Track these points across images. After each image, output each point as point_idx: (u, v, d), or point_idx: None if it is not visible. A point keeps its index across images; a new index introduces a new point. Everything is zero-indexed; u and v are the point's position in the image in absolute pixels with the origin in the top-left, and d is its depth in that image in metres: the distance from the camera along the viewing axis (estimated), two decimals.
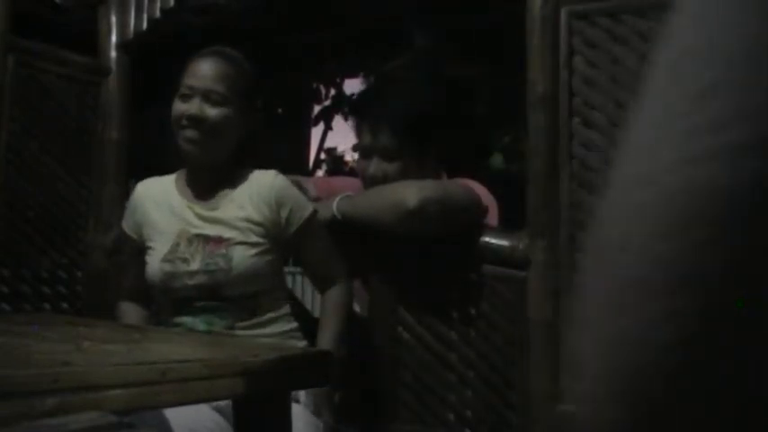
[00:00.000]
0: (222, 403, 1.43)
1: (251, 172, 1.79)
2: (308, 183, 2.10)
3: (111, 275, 2.35)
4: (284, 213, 1.73)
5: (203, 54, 1.77)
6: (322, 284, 1.80)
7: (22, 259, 2.23)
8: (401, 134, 1.93)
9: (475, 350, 1.80)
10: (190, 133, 1.70)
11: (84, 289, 2.37)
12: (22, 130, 2.24)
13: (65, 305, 2.32)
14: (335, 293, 1.77)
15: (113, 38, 2.46)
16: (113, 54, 2.46)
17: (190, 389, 0.92)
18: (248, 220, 1.71)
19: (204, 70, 1.73)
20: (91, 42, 2.48)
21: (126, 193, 2.73)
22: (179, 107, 1.72)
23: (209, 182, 1.77)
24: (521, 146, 3.39)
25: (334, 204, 1.83)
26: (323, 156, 5.28)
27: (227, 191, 1.76)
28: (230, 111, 1.72)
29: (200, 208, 1.75)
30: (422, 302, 1.86)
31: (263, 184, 1.75)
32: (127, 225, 1.83)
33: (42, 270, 2.28)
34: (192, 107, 1.70)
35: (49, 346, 1.07)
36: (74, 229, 2.36)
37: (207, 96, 1.71)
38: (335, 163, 5.36)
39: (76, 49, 2.43)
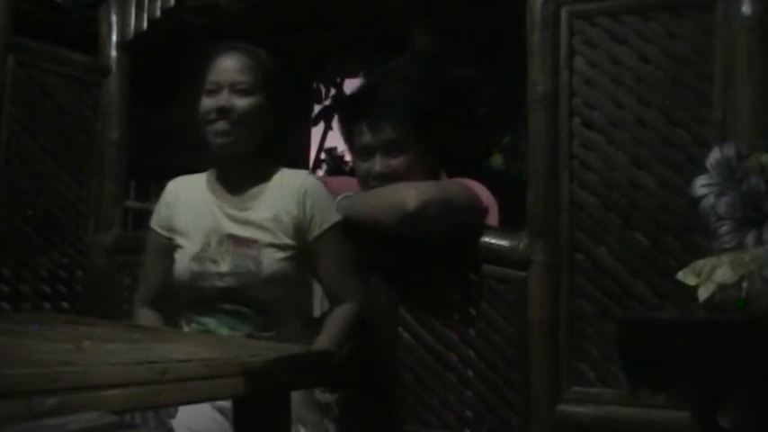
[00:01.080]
0: (222, 402, 1.43)
1: (281, 170, 1.77)
2: None
3: (112, 275, 2.35)
4: (308, 216, 1.71)
5: (222, 49, 1.75)
6: (332, 300, 1.76)
7: (22, 259, 2.23)
8: (403, 126, 1.92)
9: (475, 350, 1.80)
10: (220, 126, 1.69)
11: (84, 288, 2.37)
12: (22, 130, 2.24)
13: (65, 304, 2.32)
14: (341, 310, 1.72)
15: (114, 38, 2.46)
16: (113, 54, 2.46)
17: (190, 388, 0.91)
18: (277, 221, 1.69)
19: (227, 64, 1.72)
20: (91, 42, 2.48)
21: (126, 192, 2.73)
22: (207, 103, 1.71)
23: (239, 180, 1.75)
24: (521, 146, 3.39)
25: (335, 205, 1.82)
26: (323, 156, 5.26)
27: (257, 190, 1.74)
28: (258, 99, 1.72)
29: (230, 208, 1.73)
30: (422, 302, 1.85)
31: (293, 184, 1.73)
32: (156, 222, 1.81)
33: (42, 269, 2.28)
34: (221, 99, 1.69)
35: (49, 346, 1.07)
36: (74, 229, 2.36)
37: (233, 87, 1.70)
38: (335, 163, 5.35)
39: (76, 48, 2.43)
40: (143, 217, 3.88)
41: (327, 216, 1.72)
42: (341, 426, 1.70)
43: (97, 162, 2.42)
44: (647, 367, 1.15)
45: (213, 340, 1.48)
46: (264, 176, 1.75)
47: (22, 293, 2.23)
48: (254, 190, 1.74)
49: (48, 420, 0.79)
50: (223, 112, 1.68)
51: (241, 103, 1.69)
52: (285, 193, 1.72)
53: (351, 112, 2.07)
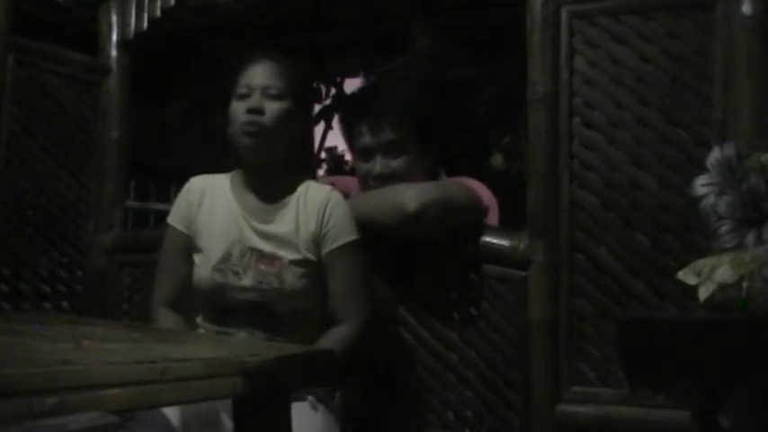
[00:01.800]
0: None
1: (306, 182, 1.76)
2: None
3: (112, 275, 2.35)
4: (324, 230, 1.69)
5: (256, 55, 1.76)
6: (334, 318, 1.71)
7: (22, 258, 2.23)
8: (403, 128, 1.92)
9: (475, 350, 1.80)
10: (250, 127, 1.68)
11: (84, 288, 2.37)
12: (22, 130, 2.24)
13: (65, 304, 2.32)
14: (337, 331, 1.67)
15: (114, 37, 2.46)
16: (114, 53, 2.46)
17: (189, 388, 0.91)
18: (298, 235, 1.69)
19: (261, 69, 1.73)
20: (91, 42, 2.49)
21: (126, 192, 2.73)
22: (238, 106, 1.70)
23: (265, 189, 1.74)
24: (521, 146, 3.39)
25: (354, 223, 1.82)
26: (323, 155, 5.27)
27: (281, 202, 1.73)
28: (289, 105, 1.71)
29: (255, 220, 1.71)
30: (422, 302, 1.86)
31: (316, 198, 1.72)
32: (178, 219, 1.78)
33: (42, 269, 2.28)
34: (252, 101, 1.69)
35: (49, 345, 1.07)
36: (74, 229, 2.36)
37: (265, 91, 1.70)
38: (335, 162, 5.37)
39: (76, 48, 2.43)
40: (143, 217, 3.89)
41: (343, 232, 1.70)
42: (342, 426, 1.70)
43: (97, 162, 2.42)
44: (647, 367, 1.15)
45: (213, 339, 1.48)
46: (289, 187, 1.74)
47: (22, 293, 2.23)
48: (279, 201, 1.73)
49: (48, 420, 0.79)
50: (255, 112, 1.68)
51: (272, 106, 1.69)
52: (308, 207, 1.71)
53: (351, 114, 2.07)
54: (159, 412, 1.43)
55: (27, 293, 2.24)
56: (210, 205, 1.76)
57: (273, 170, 1.74)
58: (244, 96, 1.71)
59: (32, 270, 2.26)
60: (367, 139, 1.95)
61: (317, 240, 1.69)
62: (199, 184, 1.80)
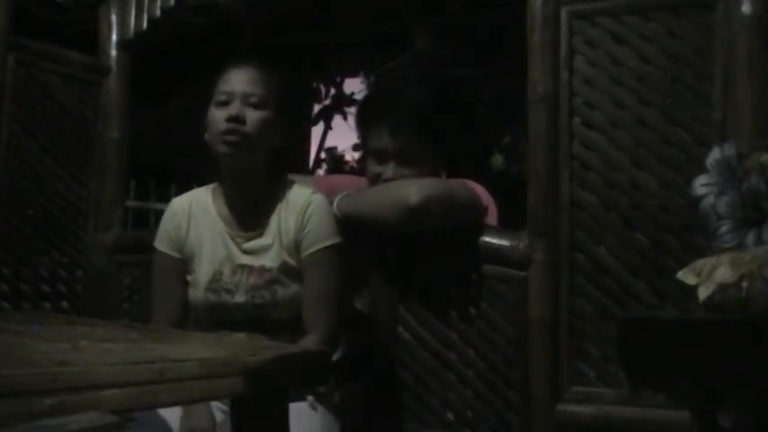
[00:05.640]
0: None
1: (287, 186, 1.74)
2: (309, 183, 2.08)
3: (111, 275, 2.35)
4: (303, 233, 1.68)
5: (236, 62, 1.73)
6: (304, 326, 1.68)
7: (22, 258, 2.23)
8: (424, 140, 1.89)
9: (475, 350, 1.80)
10: (230, 137, 1.64)
11: (84, 288, 2.37)
12: (22, 130, 2.24)
13: (65, 304, 2.32)
14: (304, 343, 1.62)
15: (114, 37, 2.46)
16: (113, 53, 2.46)
17: (188, 388, 0.91)
18: (282, 242, 1.69)
19: (241, 75, 1.70)
20: (91, 42, 2.49)
21: (126, 192, 2.73)
22: (217, 113, 1.67)
23: (246, 201, 1.72)
24: (521, 146, 3.39)
25: (335, 203, 1.82)
26: (323, 155, 5.28)
27: (264, 212, 1.71)
28: (269, 114, 1.68)
29: (240, 237, 1.71)
30: (422, 302, 1.85)
31: (297, 202, 1.71)
32: (165, 244, 1.76)
33: (42, 269, 2.28)
34: (232, 109, 1.65)
35: (47, 346, 1.07)
36: (74, 229, 2.36)
37: (246, 99, 1.67)
38: (335, 162, 5.38)
39: (76, 48, 2.43)
40: (143, 217, 3.89)
41: (321, 236, 1.69)
42: (342, 426, 1.70)
43: (97, 162, 2.42)
44: (647, 367, 1.15)
45: (211, 340, 1.48)
46: (271, 194, 1.73)
47: (22, 293, 2.23)
48: (261, 211, 1.71)
49: (47, 420, 0.79)
50: (234, 120, 1.64)
51: (253, 115, 1.66)
52: (289, 211, 1.70)
53: (373, 112, 2.01)
54: (158, 414, 1.43)
55: (27, 293, 2.24)
56: (197, 226, 1.74)
57: (253, 178, 1.72)
58: (223, 103, 1.67)
59: (32, 270, 2.26)
60: (384, 143, 1.91)
61: (297, 245, 1.69)
62: (182, 207, 1.77)
